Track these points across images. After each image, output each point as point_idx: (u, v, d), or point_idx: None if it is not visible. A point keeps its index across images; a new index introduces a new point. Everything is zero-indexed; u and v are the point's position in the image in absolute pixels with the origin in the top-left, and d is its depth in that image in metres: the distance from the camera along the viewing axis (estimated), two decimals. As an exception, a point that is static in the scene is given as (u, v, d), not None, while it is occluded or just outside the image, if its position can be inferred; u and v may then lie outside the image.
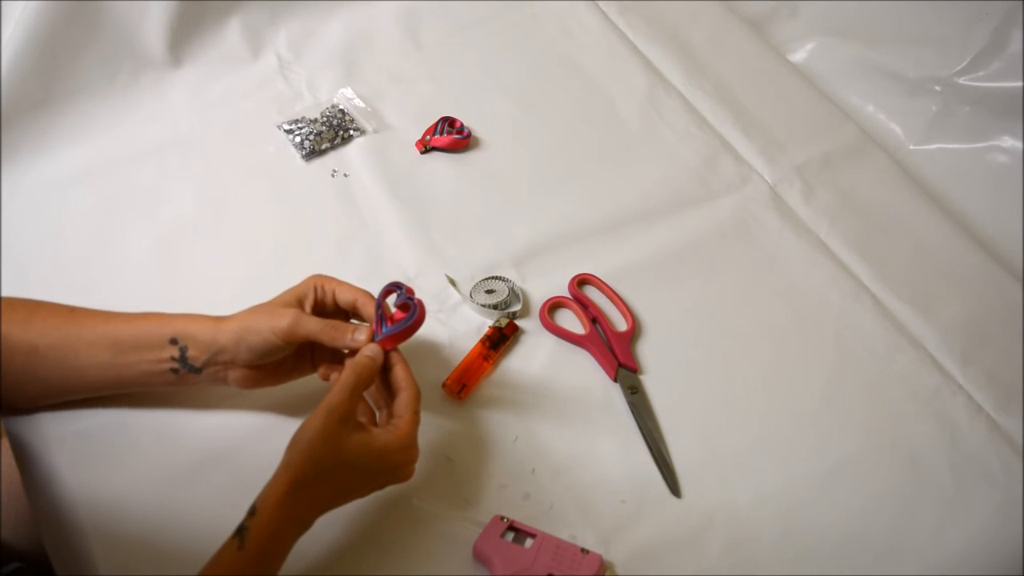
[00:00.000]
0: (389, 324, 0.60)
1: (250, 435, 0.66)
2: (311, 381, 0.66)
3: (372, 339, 0.59)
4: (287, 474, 0.53)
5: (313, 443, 0.53)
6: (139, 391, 0.65)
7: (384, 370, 0.60)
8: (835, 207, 0.87)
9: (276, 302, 0.61)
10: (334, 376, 0.63)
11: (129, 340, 0.60)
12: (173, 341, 0.60)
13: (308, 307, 0.61)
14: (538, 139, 0.91)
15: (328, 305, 0.62)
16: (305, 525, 0.55)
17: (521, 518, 0.63)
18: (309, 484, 0.53)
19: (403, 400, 0.58)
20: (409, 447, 0.57)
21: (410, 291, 0.61)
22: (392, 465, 0.57)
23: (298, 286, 0.62)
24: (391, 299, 0.62)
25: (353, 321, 0.63)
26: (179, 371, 0.61)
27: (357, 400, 0.56)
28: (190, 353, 0.60)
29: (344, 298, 0.61)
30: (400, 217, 0.82)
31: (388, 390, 0.60)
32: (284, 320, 0.58)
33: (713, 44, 1.02)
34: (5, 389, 0.61)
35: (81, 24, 0.85)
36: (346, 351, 0.62)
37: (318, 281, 0.62)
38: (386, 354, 0.59)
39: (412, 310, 0.60)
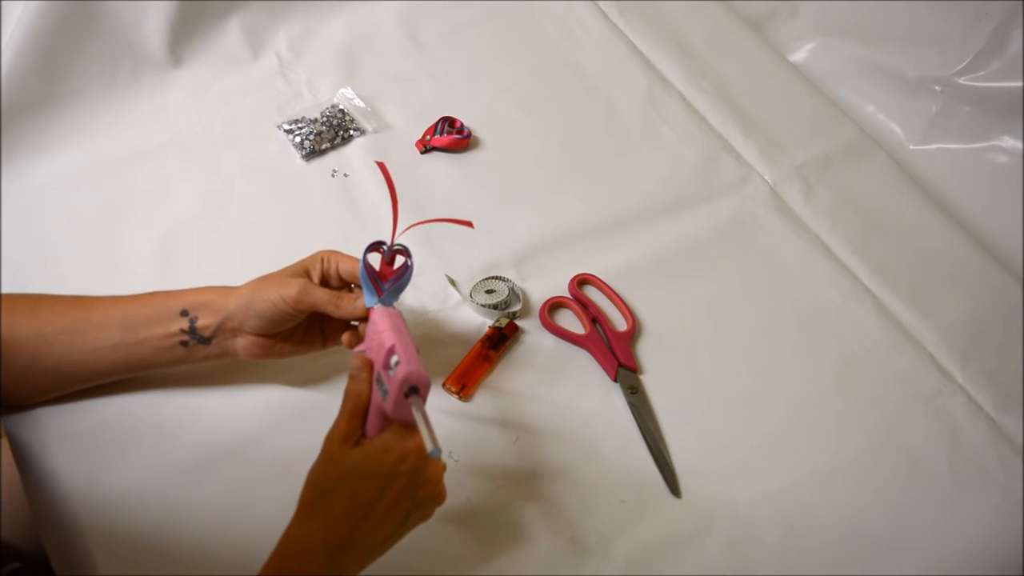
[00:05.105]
0: (386, 283, 0.59)
1: (250, 436, 0.66)
2: (312, 388, 0.67)
3: (365, 305, 0.59)
4: (298, 504, 0.53)
5: (314, 469, 0.54)
6: (147, 374, 0.66)
7: None
8: (835, 207, 0.87)
9: (285, 272, 0.62)
10: (345, 337, 0.63)
11: (139, 316, 0.61)
12: (184, 313, 0.61)
13: (315, 278, 0.62)
14: (538, 139, 0.91)
15: (332, 277, 0.63)
16: (327, 561, 0.52)
17: (521, 518, 0.63)
18: (317, 508, 0.52)
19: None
20: (406, 436, 0.54)
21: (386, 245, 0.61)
22: (396, 457, 0.53)
23: (305, 259, 0.63)
24: (375, 259, 0.61)
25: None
26: (188, 343, 0.62)
27: (357, 421, 0.55)
28: (200, 323, 0.61)
29: (347, 269, 0.62)
30: (400, 217, 0.82)
31: None
32: (293, 288, 0.60)
33: (713, 44, 1.02)
34: (11, 383, 0.61)
35: (81, 24, 0.85)
36: (353, 321, 0.62)
37: (324, 254, 0.63)
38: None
39: (405, 260, 0.60)
